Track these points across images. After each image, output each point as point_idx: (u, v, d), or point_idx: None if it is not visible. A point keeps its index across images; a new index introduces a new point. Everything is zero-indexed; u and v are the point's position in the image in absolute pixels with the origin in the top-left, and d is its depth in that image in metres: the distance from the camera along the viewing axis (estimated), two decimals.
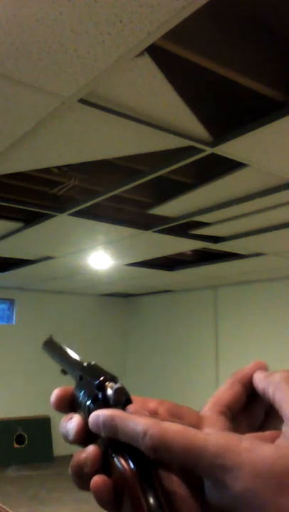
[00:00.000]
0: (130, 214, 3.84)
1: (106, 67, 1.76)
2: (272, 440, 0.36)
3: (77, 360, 0.50)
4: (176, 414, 0.42)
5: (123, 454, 0.37)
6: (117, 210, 3.77)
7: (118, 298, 8.93)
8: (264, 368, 0.44)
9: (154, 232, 4.15)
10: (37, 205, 3.56)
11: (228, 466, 0.33)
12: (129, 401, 0.41)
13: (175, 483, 0.36)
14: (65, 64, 1.76)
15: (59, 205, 3.57)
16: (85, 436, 0.40)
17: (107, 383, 0.41)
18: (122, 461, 0.37)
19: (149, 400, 0.43)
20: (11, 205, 3.52)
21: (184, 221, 3.82)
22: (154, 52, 1.76)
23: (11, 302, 8.08)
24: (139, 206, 3.62)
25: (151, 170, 2.83)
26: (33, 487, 6.14)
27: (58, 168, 2.88)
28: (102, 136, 2.38)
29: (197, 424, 0.41)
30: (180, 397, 7.17)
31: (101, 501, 0.36)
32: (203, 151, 2.48)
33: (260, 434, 0.38)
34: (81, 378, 0.46)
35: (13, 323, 8.05)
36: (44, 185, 3.22)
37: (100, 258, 5.26)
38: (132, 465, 0.36)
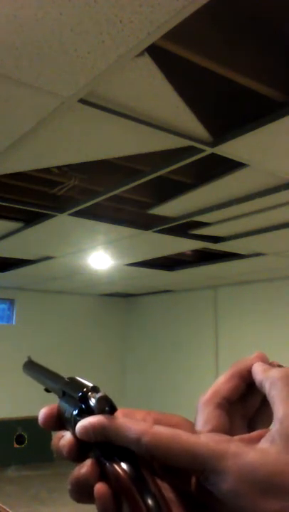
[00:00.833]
0: (130, 214, 3.84)
1: (106, 67, 1.76)
2: (259, 441, 0.38)
3: (57, 377, 0.50)
4: (165, 424, 0.43)
5: (116, 460, 0.37)
6: (117, 210, 3.77)
7: (118, 298, 8.93)
8: (265, 360, 0.45)
9: (154, 232, 4.15)
10: (37, 205, 3.56)
11: (217, 470, 0.36)
12: (114, 408, 0.41)
13: (163, 487, 0.37)
14: (65, 64, 1.76)
15: (59, 205, 3.57)
16: (79, 451, 0.41)
17: (89, 394, 0.42)
18: (116, 467, 0.37)
19: (136, 411, 0.44)
20: (11, 205, 3.52)
21: (184, 221, 3.82)
22: (154, 52, 1.76)
23: (11, 302, 8.08)
24: (139, 206, 3.62)
25: (151, 170, 2.83)
26: (33, 487, 6.14)
27: (58, 168, 2.88)
28: (102, 136, 2.38)
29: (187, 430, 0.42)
30: (180, 397, 7.17)
31: (104, 509, 0.37)
32: (203, 151, 2.48)
33: (247, 436, 0.39)
34: (64, 393, 0.46)
35: (13, 323, 8.04)
36: (44, 185, 3.22)
37: (100, 258, 5.26)
38: (126, 469, 0.37)
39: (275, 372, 0.41)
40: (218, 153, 2.51)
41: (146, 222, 4.02)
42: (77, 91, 1.93)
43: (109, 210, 3.75)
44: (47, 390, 0.53)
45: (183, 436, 0.37)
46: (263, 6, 1.71)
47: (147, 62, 1.80)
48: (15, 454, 7.29)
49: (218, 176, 2.94)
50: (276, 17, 1.75)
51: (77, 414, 0.42)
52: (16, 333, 7.89)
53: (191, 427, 0.42)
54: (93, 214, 3.77)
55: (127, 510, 0.36)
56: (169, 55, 1.80)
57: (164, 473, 0.39)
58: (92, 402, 0.41)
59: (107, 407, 0.40)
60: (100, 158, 2.69)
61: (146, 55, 1.76)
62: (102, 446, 0.39)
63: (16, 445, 7.39)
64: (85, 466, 0.39)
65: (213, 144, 2.42)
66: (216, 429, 0.42)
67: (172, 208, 3.57)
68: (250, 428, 0.44)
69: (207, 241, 4.45)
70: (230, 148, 2.47)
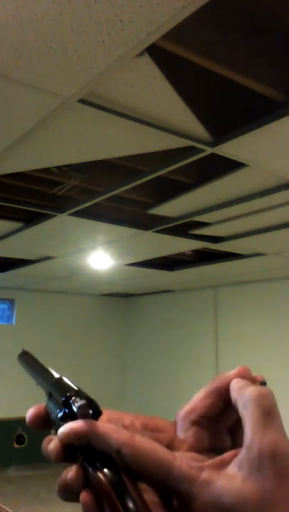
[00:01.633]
0: (130, 214, 3.84)
1: (106, 67, 1.76)
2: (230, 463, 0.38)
3: (47, 376, 0.50)
4: (152, 428, 0.43)
5: (97, 466, 0.39)
6: (117, 210, 3.77)
7: (118, 298, 8.93)
8: (246, 375, 0.43)
9: (154, 232, 4.15)
10: (37, 205, 3.56)
11: (187, 495, 0.37)
12: (98, 412, 0.41)
13: (144, 490, 0.38)
14: (65, 64, 1.76)
15: (59, 205, 3.57)
16: (66, 455, 0.41)
17: (73, 399, 0.42)
18: (97, 473, 0.38)
19: (124, 415, 0.44)
20: (11, 205, 3.52)
21: (184, 221, 3.82)
22: (154, 52, 1.76)
23: (11, 302, 8.08)
24: (139, 206, 3.62)
25: (151, 170, 2.83)
26: (33, 487, 6.14)
27: (58, 168, 2.88)
28: (102, 136, 2.38)
29: (173, 437, 0.43)
30: (179, 397, 7.17)
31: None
32: (203, 151, 2.48)
33: (218, 460, 0.39)
34: (50, 395, 0.46)
35: (13, 323, 8.05)
36: (44, 185, 3.22)
37: (100, 258, 5.26)
38: (107, 475, 0.38)
39: (249, 392, 0.40)
40: (218, 153, 2.51)
41: (146, 222, 4.02)
42: (77, 91, 1.93)
43: (109, 210, 3.75)
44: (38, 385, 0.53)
45: (160, 454, 0.38)
46: (263, 6, 1.71)
47: (147, 62, 1.80)
48: (15, 454, 7.30)
49: (218, 176, 2.94)
50: (276, 17, 1.75)
51: (60, 419, 0.42)
52: (16, 333, 7.89)
53: (176, 432, 0.43)
54: (93, 214, 3.77)
55: None
56: (169, 55, 1.80)
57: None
58: (74, 408, 0.41)
59: (91, 410, 0.41)
60: (100, 158, 2.69)
61: (146, 55, 1.76)
62: (86, 451, 0.40)
63: (16, 445, 7.39)
64: (71, 472, 0.40)
65: (213, 143, 2.42)
66: (193, 448, 0.42)
67: (172, 208, 3.57)
68: (234, 438, 0.44)
69: (207, 241, 4.45)
70: (230, 148, 2.47)
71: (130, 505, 0.36)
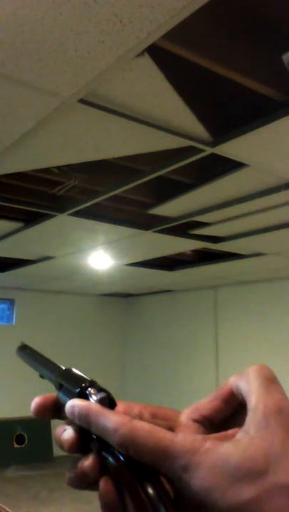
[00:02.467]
0: (130, 214, 3.84)
1: (106, 67, 1.76)
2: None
3: (53, 367, 0.51)
4: (161, 417, 0.43)
5: (113, 452, 0.38)
6: (117, 210, 3.77)
7: (118, 298, 8.93)
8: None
9: (154, 232, 4.15)
10: (37, 205, 3.56)
11: (188, 466, 0.35)
12: (114, 404, 0.42)
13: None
14: (65, 64, 1.76)
15: (59, 205, 3.57)
16: (80, 446, 0.41)
17: (89, 390, 0.43)
18: (114, 460, 0.38)
19: (133, 405, 0.44)
20: (11, 205, 3.52)
21: (184, 221, 3.82)
22: (154, 52, 1.76)
23: (11, 302, 8.08)
24: (139, 206, 3.62)
25: (151, 170, 2.83)
26: (33, 487, 6.14)
27: (58, 168, 2.88)
28: (102, 136, 2.38)
29: (177, 425, 0.42)
30: (180, 396, 7.17)
31: (109, 503, 0.37)
32: (203, 151, 2.48)
33: (223, 433, 0.38)
34: (61, 386, 0.46)
35: (13, 323, 8.05)
36: (44, 185, 3.22)
37: (100, 258, 5.26)
38: (125, 462, 0.37)
39: (249, 370, 0.40)
40: (218, 153, 2.51)
41: (146, 222, 4.02)
42: (77, 91, 1.93)
43: (109, 210, 3.75)
44: (42, 376, 0.53)
45: (160, 433, 0.37)
46: (263, 6, 1.71)
47: (147, 62, 1.80)
48: (15, 454, 7.29)
49: (218, 175, 2.94)
50: (276, 17, 1.75)
51: None
52: (16, 333, 7.89)
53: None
54: (93, 214, 3.77)
55: (129, 502, 0.36)
56: (169, 55, 1.80)
57: None
58: (93, 399, 0.42)
59: (108, 403, 0.41)
60: (100, 158, 2.69)
61: (146, 55, 1.76)
62: (102, 440, 0.39)
63: (16, 445, 7.39)
64: (87, 461, 0.39)
65: (213, 143, 2.42)
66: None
67: (172, 208, 3.57)
68: None
69: (207, 241, 4.45)
70: (230, 148, 2.47)
71: (151, 491, 0.36)
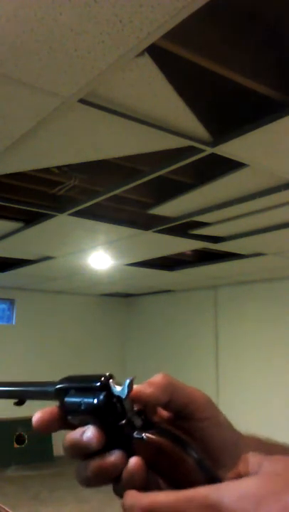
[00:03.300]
0: (130, 214, 3.84)
1: (106, 67, 1.76)
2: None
3: (43, 382, 0.51)
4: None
5: (146, 431, 0.41)
6: (117, 210, 3.77)
7: (118, 298, 8.93)
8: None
9: (154, 232, 4.15)
10: (37, 205, 3.56)
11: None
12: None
13: None
14: (65, 64, 1.76)
15: (59, 205, 3.57)
16: (105, 441, 0.43)
17: (110, 381, 0.44)
18: (151, 435, 0.41)
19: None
20: (11, 205, 3.52)
21: (184, 221, 3.82)
22: (154, 52, 1.76)
23: (11, 302, 8.07)
24: (139, 206, 3.62)
25: (151, 170, 2.83)
26: (33, 487, 6.14)
27: (58, 168, 2.88)
28: (102, 136, 2.38)
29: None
30: None
31: (137, 479, 0.40)
32: (203, 151, 2.48)
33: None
34: (66, 392, 0.46)
35: (13, 323, 8.04)
36: (44, 185, 3.22)
37: (100, 258, 5.26)
38: (160, 436, 0.41)
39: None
40: (218, 153, 2.51)
41: (146, 222, 4.02)
42: (77, 91, 1.93)
43: (109, 210, 3.75)
44: (19, 403, 0.53)
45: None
46: (263, 6, 1.71)
47: (147, 62, 1.80)
48: (15, 454, 7.29)
49: (218, 175, 2.94)
50: (276, 17, 1.75)
51: (102, 402, 0.43)
52: (16, 333, 7.89)
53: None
54: (93, 214, 3.76)
55: (169, 468, 0.39)
56: (169, 55, 1.80)
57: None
58: (116, 389, 0.43)
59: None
60: (100, 158, 2.69)
61: (146, 55, 1.76)
62: (131, 423, 0.42)
63: (16, 445, 7.39)
64: (114, 455, 0.42)
65: (213, 143, 2.42)
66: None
67: (172, 208, 3.57)
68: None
69: (207, 241, 4.45)
70: (230, 148, 2.47)
71: (194, 454, 0.39)
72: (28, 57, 1.72)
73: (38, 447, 7.40)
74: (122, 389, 0.43)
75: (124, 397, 0.42)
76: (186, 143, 2.40)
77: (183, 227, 4.09)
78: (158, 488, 0.41)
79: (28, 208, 3.57)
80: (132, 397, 0.43)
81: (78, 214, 3.69)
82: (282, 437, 0.57)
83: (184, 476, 0.38)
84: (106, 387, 0.43)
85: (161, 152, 2.56)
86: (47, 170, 2.91)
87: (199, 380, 7.28)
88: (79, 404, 0.44)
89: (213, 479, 0.38)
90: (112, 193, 3.20)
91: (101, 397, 0.43)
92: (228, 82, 1.97)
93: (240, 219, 3.74)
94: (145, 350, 8.51)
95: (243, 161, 2.68)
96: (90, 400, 0.43)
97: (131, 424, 0.42)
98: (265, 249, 4.83)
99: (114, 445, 0.42)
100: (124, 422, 0.42)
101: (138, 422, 0.43)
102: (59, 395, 0.46)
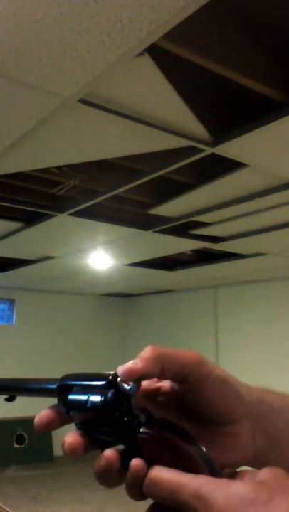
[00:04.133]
0: (130, 214, 3.84)
1: (106, 67, 1.76)
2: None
3: (44, 379, 0.51)
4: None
5: (151, 426, 0.42)
6: (117, 210, 3.77)
7: (118, 298, 8.93)
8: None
9: (154, 232, 4.15)
10: (37, 205, 3.56)
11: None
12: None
13: None
14: (65, 64, 1.76)
15: (59, 205, 3.57)
16: (85, 447, 0.44)
17: (117, 380, 0.44)
18: (156, 431, 0.42)
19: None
20: (11, 205, 3.52)
21: (184, 221, 3.82)
22: (154, 52, 1.76)
23: (11, 302, 8.07)
24: (139, 206, 3.62)
25: (151, 170, 2.83)
26: (33, 487, 6.14)
27: (58, 168, 2.88)
28: (102, 136, 2.38)
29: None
30: None
31: (138, 478, 0.41)
32: (203, 151, 2.48)
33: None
34: (69, 389, 0.46)
35: (13, 323, 8.04)
36: (44, 185, 3.22)
37: (100, 258, 5.26)
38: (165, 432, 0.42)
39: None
40: (218, 153, 2.51)
41: (146, 222, 4.02)
42: (77, 91, 1.93)
43: (109, 210, 3.75)
44: (10, 399, 0.53)
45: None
46: (263, 6, 1.71)
47: (147, 62, 1.80)
48: (15, 454, 7.29)
49: (218, 175, 2.94)
50: (276, 17, 1.76)
51: (111, 399, 0.43)
52: (16, 333, 7.89)
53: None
54: (93, 214, 3.76)
55: (175, 459, 0.41)
56: (169, 55, 1.80)
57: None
58: (125, 386, 0.43)
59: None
60: (100, 158, 2.69)
61: (147, 55, 1.76)
62: (137, 419, 0.42)
63: (16, 445, 7.39)
64: (109, 451, 0.42)
65: (213, 143, 2.42)
66: None
67: (172, 208, 3.57)
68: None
69: (207, 241, 4.45)
70: (230, 148, 2.47)
71: (198, 450, 0.40)
72: (28, 57, 1.72)
73: (38, 447, 7.40)
74: (131, 387, 0.43)
75: (132, 394, 0.43)
76: (186, 143, 2.40)
77: (183, 227, 4.09)
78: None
79: (28, 208, 3.57)
80: (125, 375, 0.44)
81: (78, 214, 3.69)
82: None
83: (188, 471, 0.39)
84: (114, 384, 0.43)
85: (161, 152, 2.56)
86: (47, 170, 2.91)
87: None
88: (85, 401, 0.44)
89: (214, 474, 0.39)
90: (112, 193, 3.20)
91: (109, 394, 0.43)
92: (228, 82, 1.97)
93: (240, 219, 3.74)
94: None
95: (243, 161, 2.68)
96: (98, 397, 0.43)
97: (136, 420, 0.42)
98: (265, 249, 4.83)
99: (120, 441, 0.43)
100: (129, 418, 0.42)
101: (142, 418, 0.43)
102: (62, 392, 0.46)
